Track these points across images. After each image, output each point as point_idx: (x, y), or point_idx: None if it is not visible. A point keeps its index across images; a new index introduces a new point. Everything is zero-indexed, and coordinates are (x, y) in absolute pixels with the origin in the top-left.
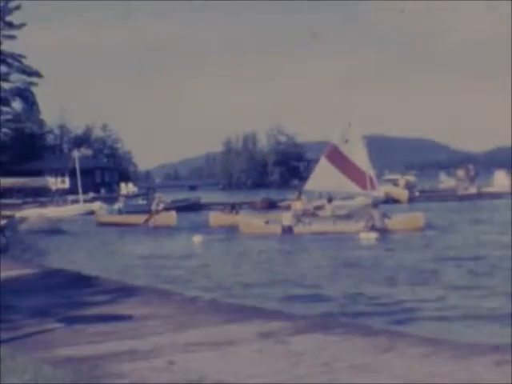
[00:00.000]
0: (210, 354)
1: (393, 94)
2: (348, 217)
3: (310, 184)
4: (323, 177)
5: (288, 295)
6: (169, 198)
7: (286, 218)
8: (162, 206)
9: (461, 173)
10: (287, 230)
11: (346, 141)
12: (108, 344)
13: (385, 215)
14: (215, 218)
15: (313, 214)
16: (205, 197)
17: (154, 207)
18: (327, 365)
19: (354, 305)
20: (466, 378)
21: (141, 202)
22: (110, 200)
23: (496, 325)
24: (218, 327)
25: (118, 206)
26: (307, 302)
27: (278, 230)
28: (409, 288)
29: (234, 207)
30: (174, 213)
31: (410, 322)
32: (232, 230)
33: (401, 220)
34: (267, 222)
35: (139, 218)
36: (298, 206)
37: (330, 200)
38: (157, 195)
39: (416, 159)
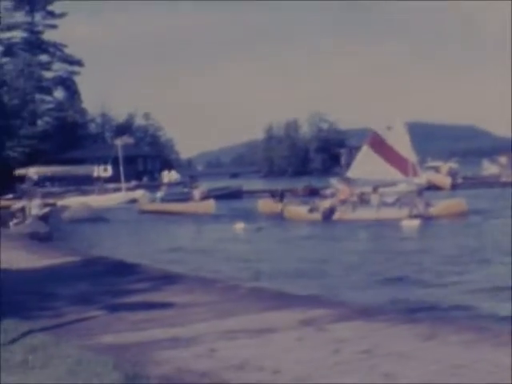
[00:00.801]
0: (251, 341)
1: (436, 81)
2: (392, 204)
3: (353, 171)
4: (366, 164)
5: (328, 282)
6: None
7: (329, 205)
8: (205, 193)
9: (504, 160)
10: (328, 217)
11: (389, 128)
12: (150, 331)
13: (428, 203)
14: (264, 205)
15: (358, 200)
16: (246, 184)
17: (196, 195)
18: (368, 352)
19: (396, 293)
20: (508, 364)
21: (184, 189)
22: (153, 188)
23: None
24: (260, 315)
25: (160, 194)
26: (347, 289)
27: (321, 217)
28: (453, 275)
29: (282, 194)
30: (212, 201)
31: (453, 309)
32: (276, 217)
33: (444, 206)
34: (311, 210)
35: (181, 206)
36: (342, 192)
37: (375, 188)
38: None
39: (458, 146)
